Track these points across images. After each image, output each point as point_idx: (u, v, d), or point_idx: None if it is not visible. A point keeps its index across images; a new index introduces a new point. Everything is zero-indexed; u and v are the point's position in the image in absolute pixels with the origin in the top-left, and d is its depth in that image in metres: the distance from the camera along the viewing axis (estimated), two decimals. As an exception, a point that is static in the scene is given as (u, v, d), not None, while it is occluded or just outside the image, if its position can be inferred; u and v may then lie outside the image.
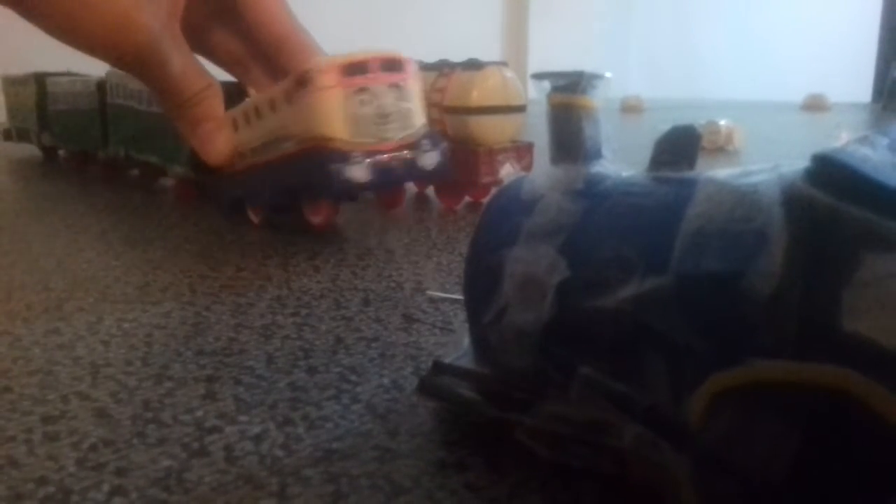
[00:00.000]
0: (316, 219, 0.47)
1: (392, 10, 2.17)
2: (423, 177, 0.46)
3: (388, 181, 0.45)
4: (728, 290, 0.15)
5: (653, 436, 0.17)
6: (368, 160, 0.43)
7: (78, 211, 0.61)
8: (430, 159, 0.45)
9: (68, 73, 0.84)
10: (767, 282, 0.14)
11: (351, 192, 0.44)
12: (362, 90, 0.42)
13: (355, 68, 0.42)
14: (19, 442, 0.22)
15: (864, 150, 0.15)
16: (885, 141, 0.15)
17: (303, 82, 0.42)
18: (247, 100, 0.49)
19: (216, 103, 0.45)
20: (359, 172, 0.42)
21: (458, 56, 0.60)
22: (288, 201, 0.49)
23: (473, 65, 0.57)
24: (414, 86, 0.45)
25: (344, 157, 0.42)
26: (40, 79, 0.86)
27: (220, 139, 0.46)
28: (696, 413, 0.16)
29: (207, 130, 0.45)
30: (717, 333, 0.15)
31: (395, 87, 0.44)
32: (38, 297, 0.37)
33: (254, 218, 0.53)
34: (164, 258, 0.45)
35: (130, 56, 0.39)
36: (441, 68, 0.59)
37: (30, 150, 0.95)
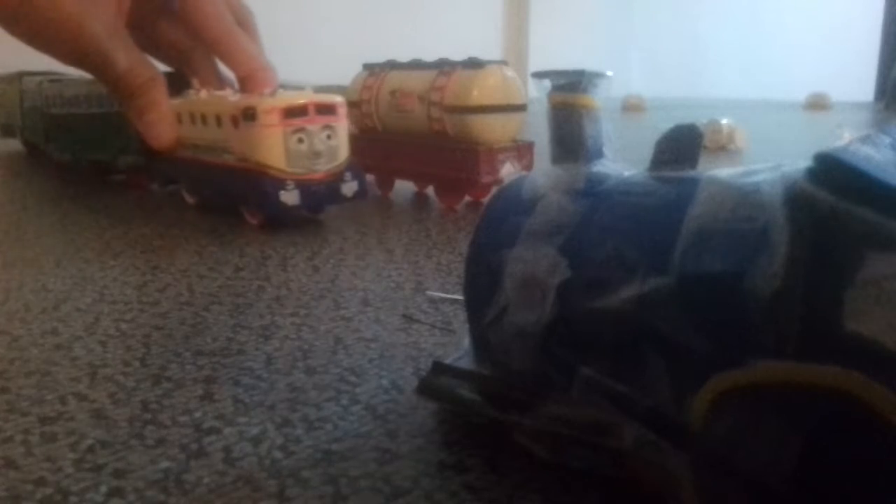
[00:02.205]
0: (252, 220, 0.54)
1: (392, 8, 2.17)
2: (343, 201, 0.54)
3: (313, 204, 0.53)
4: (730, 290, 0.15)
5: (654, 437, 0.17)
6: (299, 188, 0.50)
7: (76, 210, 0.61)
8: (350, 188, 0.54)
9: (44, 73, 0.87)
10: (769, 282, 0.14)
11: (282, 212, 0.51)
12: (299, 129, 0.50)
13: (295, 111, 0.50)
14: (17, 443, 0.22)
15: (867, 149, 0.15)
16: (887, 140, 0.15)
17: (249, 116, 0.49)
18: (192, 95, 0.55)
19: (160, 94, 0.50)
20: (290, 197, 0.50)
21: (458, 55, 0.60)
22: (227, 201, 0.56)
23: (474, 64, 0.57)
24: (343, 126, 0.53)
25: (279, 183, 0.50)
26: (21, 77, 0.91)
27: (163, 128, 0.52)
28: (698, 414, 0.16)
29: (152, 119, 0.51)
30: (718, 333, 0.15)
31: (328, 127, 0.51)
32: (36, 297, 0.37)
33: (189, 199, 0.61)
34: (163, 258, 0.45)
35: (82, 60, 0.45)
36: (441, 67, 0.58)
37: (18, 146, 0.99)
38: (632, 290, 0.17)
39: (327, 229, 0.52)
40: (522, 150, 0.59)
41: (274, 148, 0.49)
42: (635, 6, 3.02)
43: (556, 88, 0.21)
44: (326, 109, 0.51)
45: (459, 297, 0.31)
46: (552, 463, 0.20)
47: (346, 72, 0.69)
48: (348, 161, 0.53)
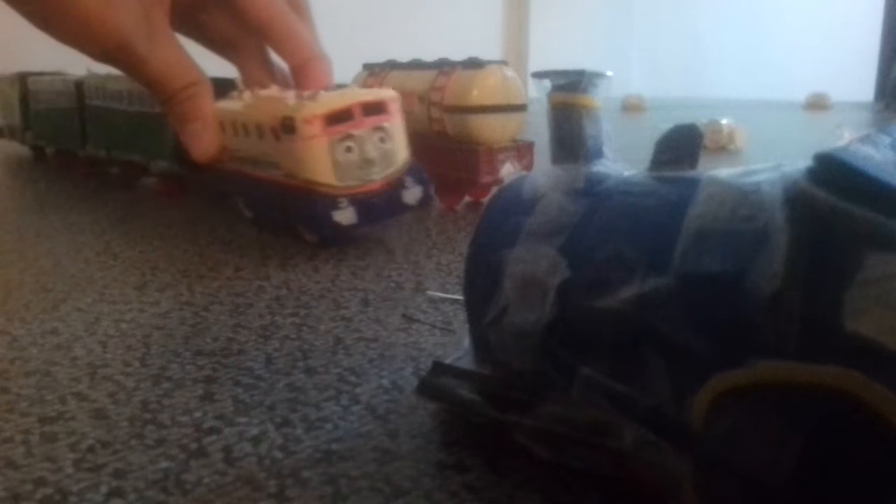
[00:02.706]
0: (309, 238, 0.48)
1: (392, 8, 2.17)
2: (407, 211, 0.47)
3: (372, 220, 0.46)
4: (730, 289, 0.15)
5: (654, 437, 0.17)
6: (354, 204, 0.44)
7: (76, 210, 0.61)
8: (412, 195, 0.46)
9: (51, 73, 0.86)
10: (769, 282, 0.14)
11: (337, 233, 0.45)
12: (347, 137, 0.43)
13: (339, 116, 0.43)
14: (17, 443, 0.22)
15: (867, 149, 0.15)
16: (887, 140, 0.15)
17: (288, 128, 0.43)
18: (234, 97, 0.48)
19: (204, 102, 0.44)
20: (344, 216, 0.44)
21: (458, 55, 0.60)
22: (281, 219, 0.50)
23: (474, 64, 0.57)
24: (397, 124, 0.46)
25: (331, 202, 0.43)
26: (23, 78, 0.89)
27: (205, 139, 0.45)
28: (698, 414, 0.16)
29: (194, 129, 0.45)
30: (718, 333, 0.15)
31: (379, 129, 0.45)
32: (36, 297, 0.37)
33: (246, 212, 0.54)
34: (163, 258, 0.45)
35: (105, 53, 0.39)
36: (441, 67, 0.58)
37: (20, 148, 0.98)
38: (632, 290, 0.17)
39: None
40: (522, 150, 0.59)
41: (320, 162, 0.43)
42: (635, 6, 3.02)
43: (556, 88, 0.21)
44: (375, 108, 0.45)
45: (459, 297, 0.31)
46: (552, 463, 0.20)
47: (346, 72, 0.69)
48: (408, 164, 0.46)
